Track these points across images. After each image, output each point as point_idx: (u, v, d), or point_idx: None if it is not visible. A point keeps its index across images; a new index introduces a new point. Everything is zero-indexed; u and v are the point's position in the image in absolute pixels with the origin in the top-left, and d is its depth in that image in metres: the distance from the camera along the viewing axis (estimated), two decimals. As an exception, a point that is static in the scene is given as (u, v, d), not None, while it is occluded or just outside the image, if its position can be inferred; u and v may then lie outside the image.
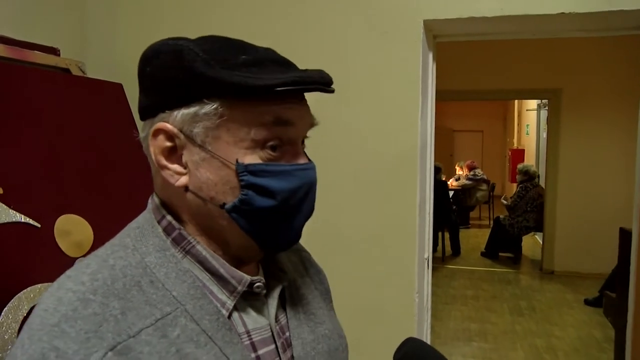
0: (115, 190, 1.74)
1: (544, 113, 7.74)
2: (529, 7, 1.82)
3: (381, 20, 1.95)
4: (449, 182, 8.48)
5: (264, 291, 0.68)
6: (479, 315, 4.84)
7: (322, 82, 0.62)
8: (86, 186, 1.63)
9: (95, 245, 1.54)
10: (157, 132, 0.62)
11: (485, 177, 9.12)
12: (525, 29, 2.03)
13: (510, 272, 6.35)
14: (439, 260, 6.85)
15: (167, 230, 0.64)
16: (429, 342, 2.29)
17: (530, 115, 9.50)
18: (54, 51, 1.87)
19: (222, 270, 0.64)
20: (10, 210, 1.33)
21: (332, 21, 1.99)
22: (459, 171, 9.54)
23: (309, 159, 0.68)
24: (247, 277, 0.65)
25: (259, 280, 0.66)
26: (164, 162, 0.63)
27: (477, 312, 4.92)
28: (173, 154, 0.63)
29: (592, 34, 2.05)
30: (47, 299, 0.56)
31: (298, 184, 0.64)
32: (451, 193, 7.81)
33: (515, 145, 11.03)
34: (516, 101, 10.80)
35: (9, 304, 1.22)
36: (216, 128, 0.60)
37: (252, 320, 0.66)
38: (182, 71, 0.59)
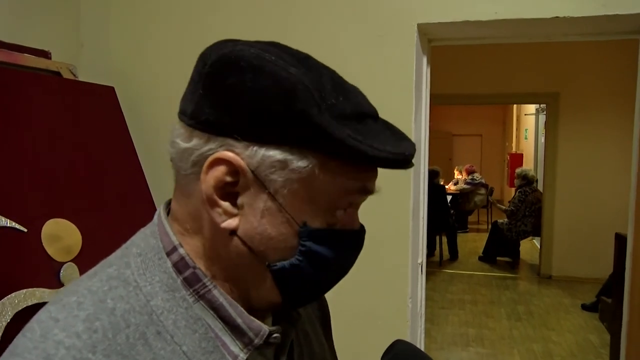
0: (106, 195, 1.73)
1: (542, 117, 7.75)
2: (523, 11, 1.81)
3: (375, 23, 1.94)
4: (447, 187, 8.47)
5: (279, 342, 0.60)
6: (476, 320, 4.82)
7: (412, 158, 0.56)
8: (76, 190, 1.61)
9: (83, 251, 1.53)
10: (218, 162, 0.51)
11: (483, 181, 9.11)
12: (520, 33, 2.02)
13: (508, 277, 6.34)
14: (437, 265, 6.83)
15: (178, 267, 0.55)
16: (423, 348, 2.27)
17: (528, 119, 9.50)
18: (44, 54, 1.86)
19: (239, 321, 0.56)
20: (-4, 215, 1.31)
21: (326, 24, 1.98)
22: (457, 175, 9.53)
23: (361, 223, 0.63)
24: (266, 329, 0.57)
25: (277, 331, 0.59)
26: (216, 198, 0.52)
27: (474, 317, 4.90)
28: (227, 188, 0.53)
29: (587, 38, 2.05)
30: (30, 353, 0.45)
31: (351, 254, 0.60)
32: (449, 197, 7.79)
33: (514, 149, 11.04)
34: (515, 105, 10.81)
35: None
36: (298, 182, 0.52)
37: None
38: (289, 109, 0.49)
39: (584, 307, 5.09)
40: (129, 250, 0.56)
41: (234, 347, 0.56)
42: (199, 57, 0.55)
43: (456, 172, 9.62)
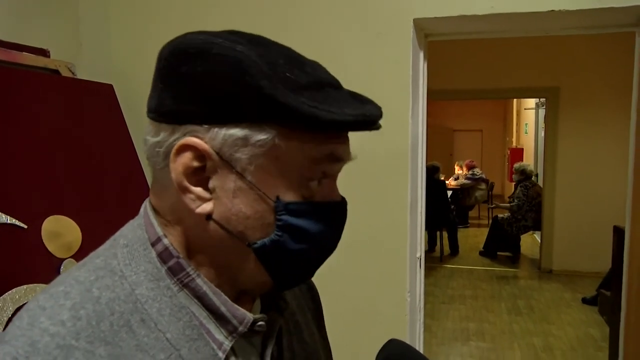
0: (105, 192, 1.74)
1: (542, 112, 7.74)
2: (519, 4, 1.82)
3: (371, 19, 1.95)
4: (447, 182, 8.47)
5: (265, 329, 0.61)
6: (477, 315, 4.83)
7: (378, 120, 0.56)
8: (75, 187, 1.62)
9: (83, 247, 1.54)
10: (184, 148, 0.52)
11: (484, 176, 9.11)
12: (516, 27, 2.03)
13: (508, 272, 6.34)
14: (437, 260, 6.84)
15: (163, 257, 0.56)
16: (422, 342, 2.28)
17: (528, 114, 9.50)
18: (43, 52, 1.87)
19: (223, 309, 0.56)
20: (-4, 212, 1.33)
21: (323, 21, 1.99)
22: (458, 170, 9.53)
23: (341, 195, 0.62)
24: (250, 317, 0.58)
25: (262, 319, 0.59)
26: (186, 184, 0.53)
27: (475, 312, 4.92)
28: (198, 174, 0.53)
29: (583, 31, 2.05)
30: (17, 340, 0.47)
31: (333, 225, 0.59)
32: (450, 192, 7.79)
33: (515, 144, 11.03)
34: (515, 100, 10.80)
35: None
36: (263, 156, 0.52)
37: (246, 358, 0.60)
38: (240, 86, 0.50)
39: (585, 301, 5.10)
40: (117, 242, 0.57)
41: (219, 334, 0.56)
42: (157, 56, 0.56)
43: (457, 167, 9.62)
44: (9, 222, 1.35)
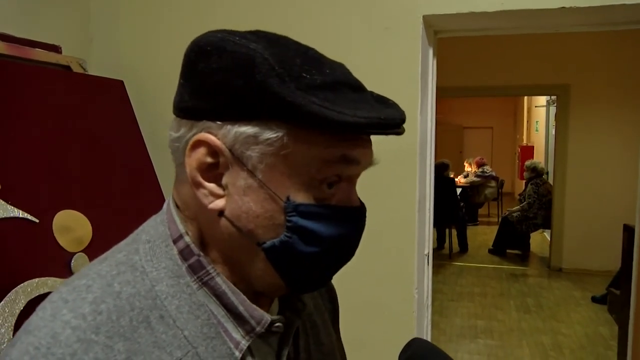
0: (115, 187, 1.76)
1: (553, 109, 7.68)
2: (529, 1, 1.81)
3: (381, 15, 1.95)
4: (457, 179, 8.44)
5: (282, 330, 0.61)
6: (485, 313, 4.82)
7: (400, 125, 0.54)
8: (86, 182, 1.64)
9: (94, 241, 1.56)
10: (198, 144, 0.53)
11: (494, 174, 9.07)
12: (526, 24, 2.02)
13: (518, 270, 6.32)
14: (446, 258, 6.83)
15: (184, 254, 0.56)
16: (429, 339, 2.29)
17: (539, 111, 9.43)
18: (55, 49, 1.89)
19: (240, 308, 0.56)
20: (9, 206, 1.35)
21: (332, 17, 1.99)
22: (467, 168, 9.49)
23: (361, 201, 0.61)
24: (268, 318, 0.57)
25: (279, 320, 0.60)
26: (200, 179, 0.54)
27: (483, 309, 4.91)
28: (212, 170, 0.54)
29: (594, 28, 2.04)
30: (40, 331, 0.48)
31: (348, 231, 0.57)
32: (459, 190, 7.77)
33: (525, 142, 10.97)
34: (526, 98, 10.73)
35: (6, 298, 1.24)
36: (273, 156, 0.52)
37: (262, 358, 0.60)
38: (250, 83, 0.50)
39: (595, 299, 5.07)
40: (139, 237, 0.58)
41: (236, 334, 0.57)
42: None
43: (466, 165, 9.58)
44: (21, 216, 1.37)
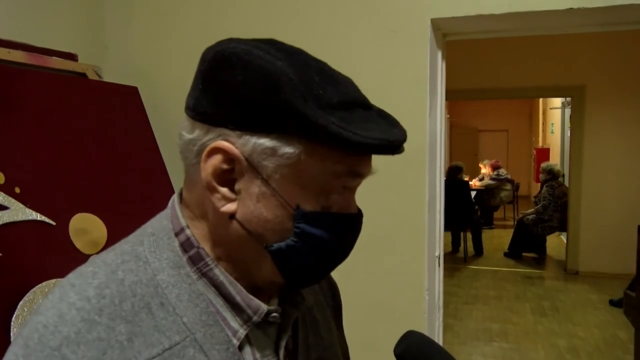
0: (130, 191, 1.80)
1: (568, 111, 7.61)
2: (536, 3, 1.82)
3: (389, 19, 1.97)
4: (471, 182, 8.40)
5: (279, 321, 0.64)
6: (500, 316, 4.79)
7: (402, 144, 0.58)
8: (101, 186, 1.69)
9: (109, 244, 1.60)
10: (215, 151, 0.56)
11: (509, 176, 9.00)
12: (534, 26, 2.02)
13: (533, 273, 6.27)
14: (461, 261, 6.80)
15: (184, 246, 0.60)
16: (441, 341, 2.29)
17: (555, 113, 9.35)
18: (71, 57, 1.94)
19: (238, 298, 0.60)
20: (27, 209, 1.39)
21: (340, 21, 2.01)
22: (482, 169, 9.43)
23: (358, 207, 0.65)
24: (264, 308, 0.61)
25: (276, 311, 0.63)
26: (214, 184, 0.57)
27: (498, 312, 4.88)
28: (225, 175, 0.57)
29: (602, 28, 2.03)
30: (48, 311, 0.52)
31: (348, 236, 0.62)
32: (474, 193, 7.72)
33: (541, 144, 10.87)
34: (541, 99, 10.64)
35: (25, 298, 1.28)
36: (287, 167, 0.55)
37: (261, 347, 0.63)
38: (274, 100, 0.53)
39: (612, 302, 5.01)
40: (145, 231, 0.62)
41: (234, 322, 0.60)
42: (201, 56, 0.60)
43: (481, 166, 9.52)
44: (38, 219, 1.41)
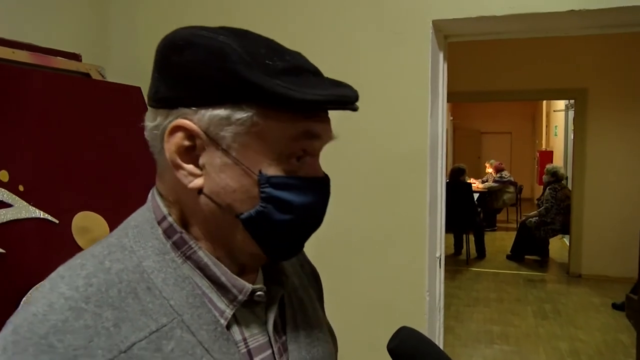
0: (132, 190, 1.81)
1: (571, 114, 7.60)
2: (538, 5, 1.82)
3: (390, 21, 1.98)
4: (474, 185, 8.39)
5: (265, 299, 0.66)
6: (501, 318, 4.79)
7: (354, 101, 0.61)
8: (104, 186, 1.70)
9: (111, 241, 1.61)
10: (176, 129, 0.58)
11: (512, 179, 8.99)
12: (536, 28, 2.03)
13: (536, 275, 6.25)
14: (463, 263, 6.79)
15: (168, 233, 0.62)
16: (442, 342, 2.29)
17: (558, 116, 9.34)
18: (75, 57, 1.95)
19: (223, 279, 0.62)
20: (30, 207, 1.41)
21: (341, 22, 2.02)
22: (488, 168, 9.40)
23: (324, 172, 0.67)
24: (249, 286, 0.63)
25: (261, 289, 0.65)
26: (179, 161, 0.59)
27: (500, 315, 4.87)
28: (189, 152, 0.59)
29: (605, 30, 2.03)
30: (39, 301, 0.54)
31: (316, 199, 0.63)
32: (476, 195, 7.71)
33: (544, 147, 10.85)
34: (544, 102, 10.63)
35: (27, 295, 1.29)
36: (245, 134, 0.58)
37: (250, 326, 0.65)
38: (221, 71, 0.55)
39: (615, 306, 4.99)
40: (129, 223, 0.64)
41: (221, 303, 0.62)
42: (155, 50, 0.63)
43: (487, 166, 9.48)
44: (41, 216, 1.43)
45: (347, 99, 0.60)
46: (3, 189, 1.36)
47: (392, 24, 1.97)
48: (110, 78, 2.09)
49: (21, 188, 1.41)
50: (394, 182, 2.02)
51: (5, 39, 1.68)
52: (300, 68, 0.60)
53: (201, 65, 0.57)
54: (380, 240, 2.03)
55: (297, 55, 0.62)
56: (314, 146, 0.63)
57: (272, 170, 0.59)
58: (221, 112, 0.57)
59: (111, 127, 1.82)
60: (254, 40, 0.60)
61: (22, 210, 1.38)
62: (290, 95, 0.55)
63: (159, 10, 2.25)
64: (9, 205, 1.36)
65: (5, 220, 1.33)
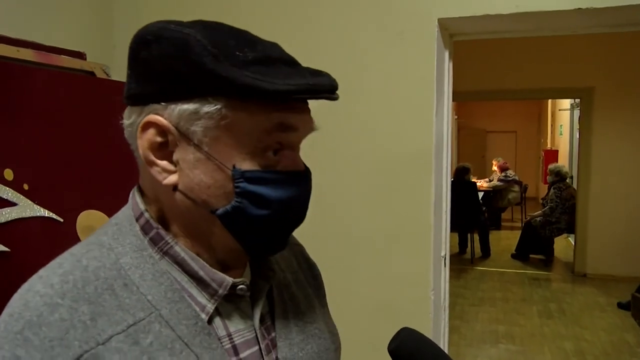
0: (137, 188, 1.81)
1: (577, 113, 7.57)
2: (544, 3, 1.81)
3: (396, 19, 1.97)
4: (479, 184, 8.36)
5: (248, 293, 0.65)
6: (507, 318, 4.77)
7: (331, 90, 0.59)
8: (108, 184, 1.70)
9: (116, 240, 1.61)
10: (147, 125, 0.58)
11: (517, 178, 8.95)
12: (542, 26, 2.01)
13: (541, 275, 6.23)
14: (468, 262, 6.77)
15: (145, 229, 0.61)
16: (447, 342, 2.29)
17: (563, 115, 9.30)
18: (80, 55, 1.96)
19: (201, 273, 0.61)
20: (35, 205, 1.41)
21: (346, 21, 2.02)
22: (495, 165, 9.35)
23: (305, 165, 0.65)
24: (229, 280, 0.62)
25: (242, 283, 0.63)
26: (152, 157, 0.59)
27: (505, 315, 4.85)
28: (163, 149, 0.59)
29: (611, 29, 2.02)
30: (15, 302, 0.54)
31: (295, 193, 0.61)
32: (481, 194, 7.69)
33: (549, 146, 10.81)
34: (550, 101, 10.58)
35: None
36: (216, 128, 0.56)
37: (235, 322, 0.64)
38: (187, 64, 0.54)
39: (620, 305, 4.96)
40: (110, 222, 0.64)
41: (201, 298, 0.61)
42: None
43: (494, 163, 9.43)
44: (46, 215, 1.43)
45: (321, 87, 0.58)
46: (8, 188, 1.36)
47: (398, 23, 1.96)
48: (115, 76, 2.09)
49: (26, 187, 1.41)
50: (399, 181, 2.01)
51: (10, 38, 1.68)
52: (271, 58, 0.58)
53: (167, 59, 0.55)
54: (385, 239, 2.03)
55: (272, 45, 0.61)
56: (290, 139, 0.61)
57: (246, 165, 0.58)
58: (190, 106, 0.56)
59: (115, 125, 1.82)
60: (225, 31, 0.59)
61: (27, 208, 1.38)
62: (257, 86, 0.53)
63: (164, 8, 2.25)
64: (14, 204, 1.36)
65: (9, 218, 1.33)
